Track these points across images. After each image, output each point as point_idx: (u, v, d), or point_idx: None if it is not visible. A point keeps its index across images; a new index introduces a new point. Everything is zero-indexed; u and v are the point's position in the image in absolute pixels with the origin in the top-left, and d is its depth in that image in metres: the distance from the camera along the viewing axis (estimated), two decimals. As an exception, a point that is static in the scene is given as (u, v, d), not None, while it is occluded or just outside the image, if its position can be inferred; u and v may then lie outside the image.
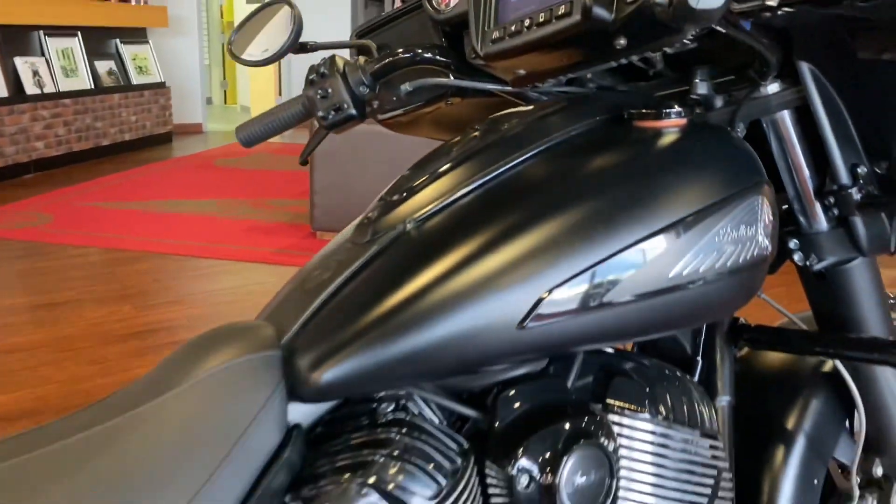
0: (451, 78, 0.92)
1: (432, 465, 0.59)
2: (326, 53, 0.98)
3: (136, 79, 5.89)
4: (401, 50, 0.93)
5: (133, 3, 5.89)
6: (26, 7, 4.79)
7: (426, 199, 0.67)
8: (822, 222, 0.83)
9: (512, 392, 0.67)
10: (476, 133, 0.75)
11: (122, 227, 3.79)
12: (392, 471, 0.58)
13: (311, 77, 0.94)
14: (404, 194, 0.70)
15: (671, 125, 0.70)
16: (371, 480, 0.57)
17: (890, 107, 0.77)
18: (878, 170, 0.80)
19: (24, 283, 2.98)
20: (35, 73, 4.88)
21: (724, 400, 0.86)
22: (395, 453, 0.59)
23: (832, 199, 0.81)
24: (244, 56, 1.02)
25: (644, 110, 0.71)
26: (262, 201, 4.42)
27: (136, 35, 6.06)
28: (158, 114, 6.18)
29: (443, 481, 0.59)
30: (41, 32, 5.03)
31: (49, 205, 4.17)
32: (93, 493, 0.52)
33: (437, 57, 0.93)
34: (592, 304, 0.61)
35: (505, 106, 0.92)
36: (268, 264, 3.29)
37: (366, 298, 0.60)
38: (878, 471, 0.99)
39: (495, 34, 0.77)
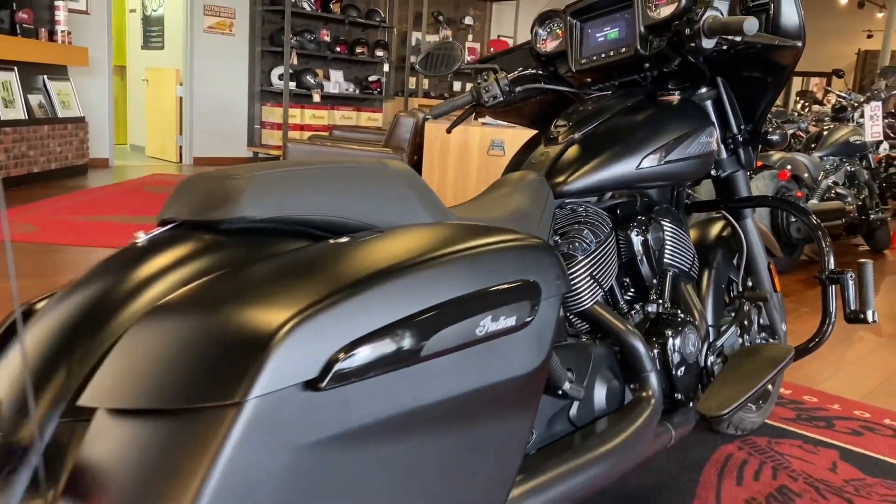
0: (543, 84, 1.85)
1: (601, 225, 1.50)
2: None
3: (60, 112, 6.28)
4: (520, 69, 1.86)
5: (59, 42, 6.31)
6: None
7: (578, 127, 1.59)
8: (724, 153, 1.83)
9: (621, 207, 1.60)
10: (589, 104, 1.68)
11: (109, 233, 4.30)
12: (588, 225, 1.48)
13: (478, 81, 1.84)
14: (563, 127, 1.61)
15: (675, 99, 1.67)
16: (581, 227, 1.47)
17: (752, 99, 1.78)
18: (747, 128, 1.81)
19: (56, 268, 3.49)
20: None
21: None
22: (586, 220, 1.49)
23: (729, 141, 1.81)
24: (429, 71, 1.91)
25: (663, 92, 1.68)
26: (217, 217, 5.04)
27: (59, 72, 6.46)
28: (78, 146, 6.56)
29: (605, 232, 1.50)
30: (-16, 65, 5.39)
31: (23, 217, 4.57)
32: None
33: (539, 72, 1.87)
34: (659, 163, 1.55)
35: (559, 103, 1.87)
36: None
37: (575, 157, 1.51)
38: (749, 283, 2.00)
39: (583, 60, 1.72)
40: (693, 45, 1.51)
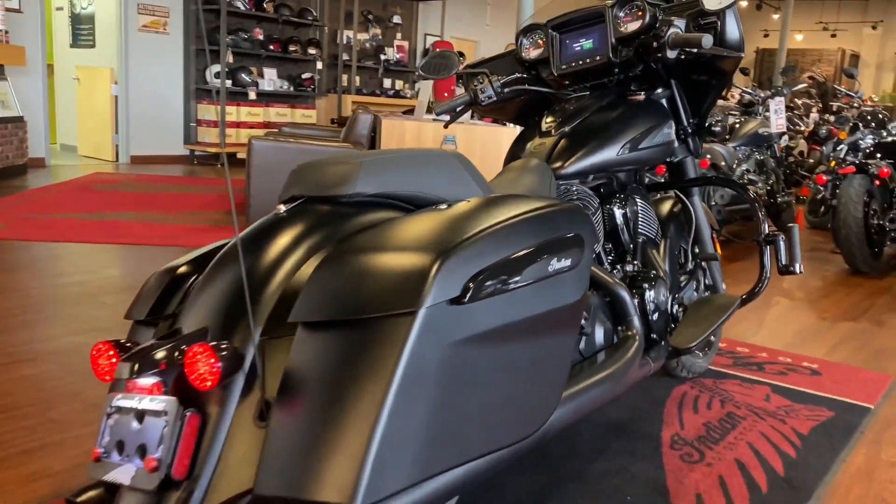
0: (527, 86, 2.21)
1: (590, 201, 1.87)
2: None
3: (0, 112, 6.24)
4: (507, 74, 2.21)
5: (-2, 42, 6.28)
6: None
7: (567, 122, 1.95)
8: (676, 142, 2.22)
9: (601, 187, 1.97)
10: (570, 103, 2.04)
11: (81, 230, 4.42)
12: (580, 201, 1.85)
13: (473, 83, 2.17)
14: (553, 123, 1.97)
15: (640, 98, 2.05)
16: (576, 203, 1.83)
17: (699, 98, 2.18)
18: (694, 122, 2.22)
19: (43, 262, 3.62)
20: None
21: (649, 210, 2.23)
22: (578, 198, 1.86)
23: (681, 132, 2.21)
24: (431, 75, 2.24)
25: (630, 91, 2.05)
26: (178, 214, 5.18)
27: (-4, 72, 6.42)
28: (18, 146, 6.53)
29: (594, 207, 1.87)
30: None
31: (-14, 216, 4.62)
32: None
33: (524, 76, 2.22)
34: (634, 150, 1.93)
35: (538, 102, 2.23)
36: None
37: (569, 146, 1.87)
38: (696, 250, 2.41)
39: (563, 66, 2.09)
40: (659, 55, 1.89)
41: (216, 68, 8.66)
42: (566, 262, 1.26)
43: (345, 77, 10.38)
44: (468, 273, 1.07)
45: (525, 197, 1.34)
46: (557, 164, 1.84)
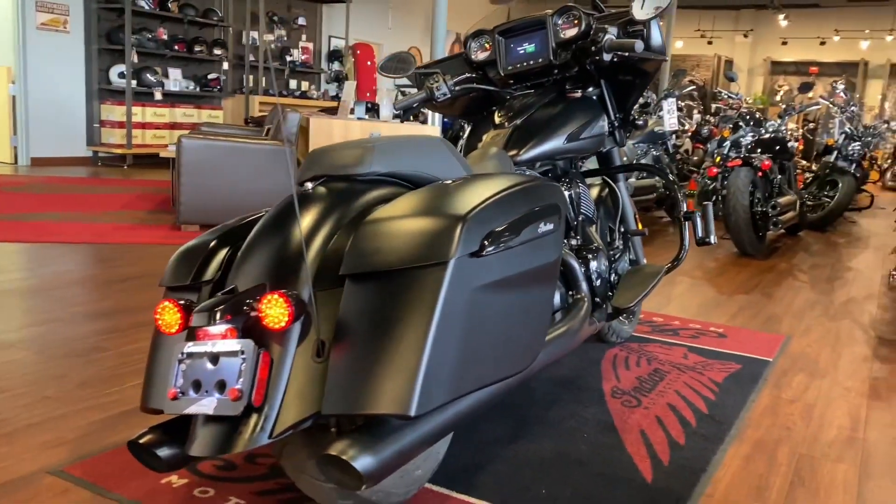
0: (475, 84, 2.48)
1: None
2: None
3: None
4: (457, 74, 2.48)
5: None
6: None
7: (517, 116, 2.23)
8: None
9: (550, 170, 2.26)
10: (517, 100, 2.33)
11: (2, 230, 4.34)
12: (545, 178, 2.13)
13: (428, 82, 2.43)
14: (504, 117, 2.25)
15: (578, 95, 2.36)
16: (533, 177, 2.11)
17: (625, 96, 2.51)
18: (620, 116, 2.55)
19: (8, 260, 3.59)
20: None
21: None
22: (538, 175, 2.14)
23: (609, 126, 2.53)
24: (390, 75, 2.48)
25: (567, 90, 2.36)
26: (102, 214, 5.14)
27: None
28: (-87, 147, 6.25)
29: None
30: None
31: None
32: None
33: (473, 75, 2.49)
34: (575, 140, 2.23)
35: (484, 99, 2.52)
36: (165, 245, 4.23)
37: (522, 136, 2.15)
38: (622, 229, 2.74)
39: (509, 67, 2.38)
40: (596, 57, 2.20)
41: (119, 68, 8.50)
42: (549, 226, 1.53)
43: (251, 78, 10.37)
44: (484, 232, 1.32)
45: (513, 174, 1.60)
46: (514, 152, 2.12)
